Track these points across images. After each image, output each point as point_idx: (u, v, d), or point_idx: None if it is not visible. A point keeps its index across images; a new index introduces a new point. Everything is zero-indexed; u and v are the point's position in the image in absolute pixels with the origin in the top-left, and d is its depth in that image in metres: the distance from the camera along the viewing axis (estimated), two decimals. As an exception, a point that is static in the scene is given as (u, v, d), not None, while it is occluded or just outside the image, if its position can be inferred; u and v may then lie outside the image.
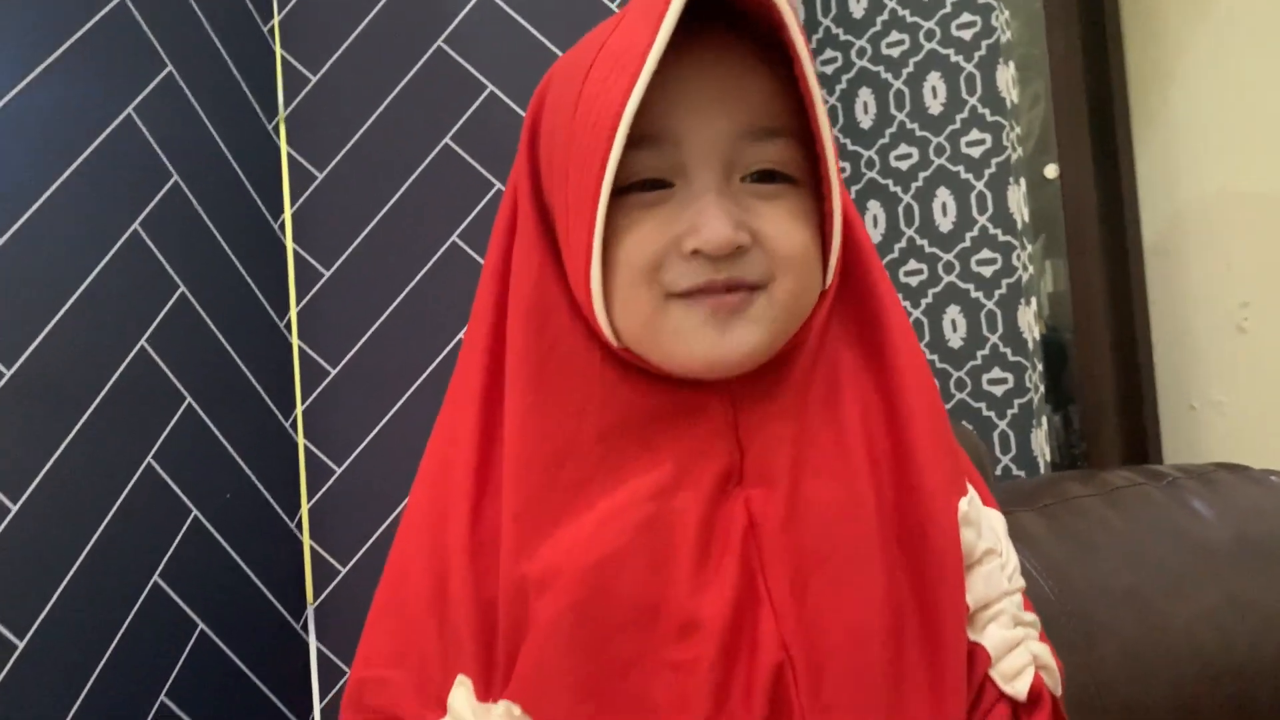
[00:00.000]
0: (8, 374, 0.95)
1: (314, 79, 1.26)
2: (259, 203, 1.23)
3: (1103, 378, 2.38)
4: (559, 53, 1.18)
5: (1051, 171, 2.43)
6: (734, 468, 0.52)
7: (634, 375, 0.52)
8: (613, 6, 1.27)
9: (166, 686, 1.07)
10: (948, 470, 0.55)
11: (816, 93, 0.49)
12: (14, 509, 0.94)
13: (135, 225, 1.08)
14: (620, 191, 0.49)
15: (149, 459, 1.07)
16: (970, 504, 0.57)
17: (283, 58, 1.26)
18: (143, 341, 1.08)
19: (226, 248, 1.18)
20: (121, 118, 1.07)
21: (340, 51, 1.25)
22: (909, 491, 0.53)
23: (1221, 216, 2.32)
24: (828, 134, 0.50)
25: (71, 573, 0.99)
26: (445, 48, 1.23)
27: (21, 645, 0.95)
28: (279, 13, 1.27)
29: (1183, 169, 2.38)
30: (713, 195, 0.49)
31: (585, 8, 1.21)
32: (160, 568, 1.07)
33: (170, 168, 1.12)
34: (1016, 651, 0.55)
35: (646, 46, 0.45)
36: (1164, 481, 1.02)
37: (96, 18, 1.04)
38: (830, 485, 0.52)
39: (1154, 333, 2.43)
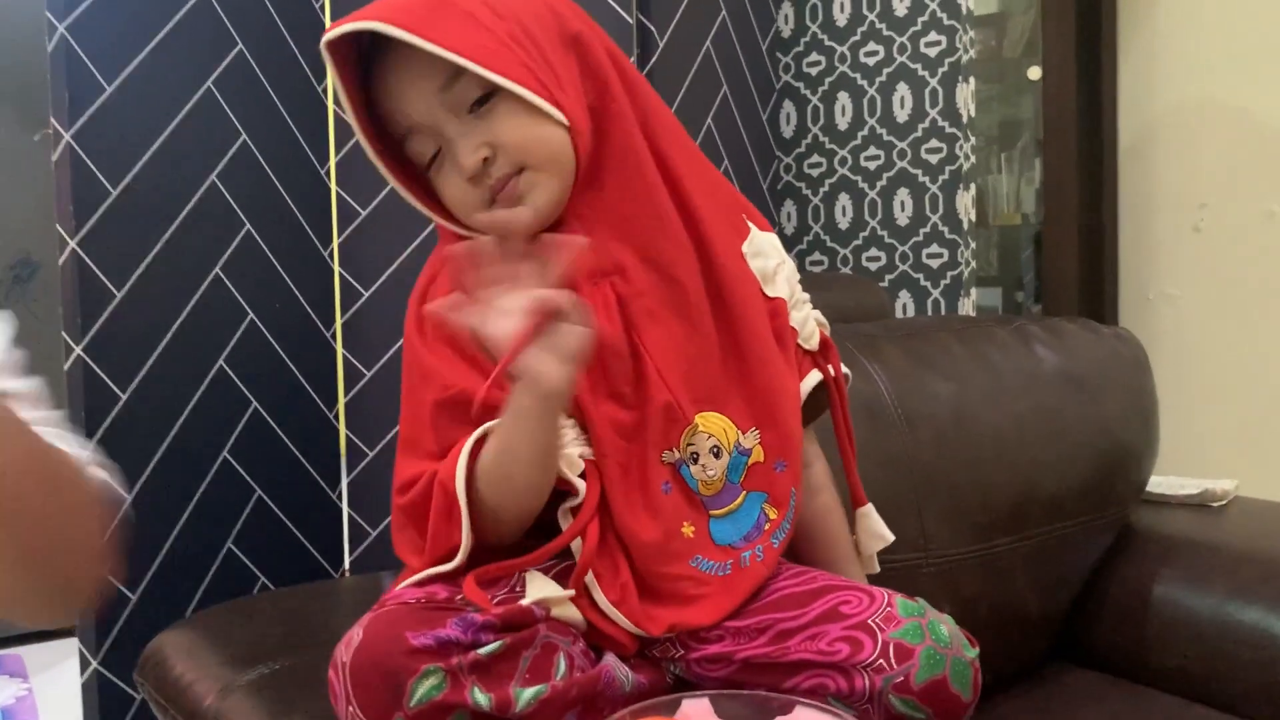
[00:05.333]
0: (114, 193, 1.24)
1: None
2: (305, 69, 1.49)
3: (1068, 267, 2.60)
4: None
5: (1035, 73, 2.61)
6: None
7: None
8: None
9: (228, 446, 1.39)
10: (727, 223, 0.80)
11: (461, 60, 0.68)
12: (119, 295, 1.24)
13: (208, 84, 1.35)
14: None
15: (216, 269, 1.37)
16: (751, 242, 0.82)
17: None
18: (212, 177, 1.36)
19: (279, 105, 1.45)
20: (198, -5, 1.33)
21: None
22: (707, 252, 0.77)
23: (1190, 123, 2.50)
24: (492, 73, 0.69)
25: (159, 349, 1.30)
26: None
27: (123, 398, 1.26)
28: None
29: (1162, 77, 2.55)
30: (453, 139, 0.71)
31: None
32: (224, 354, 1.38)
33: (236, 38, 1.38)
34: (808, 321, 0.83)
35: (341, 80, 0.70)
36: (1012, 325, 1.28)
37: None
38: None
39: (1120, 229, 2.64)
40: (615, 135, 0.75)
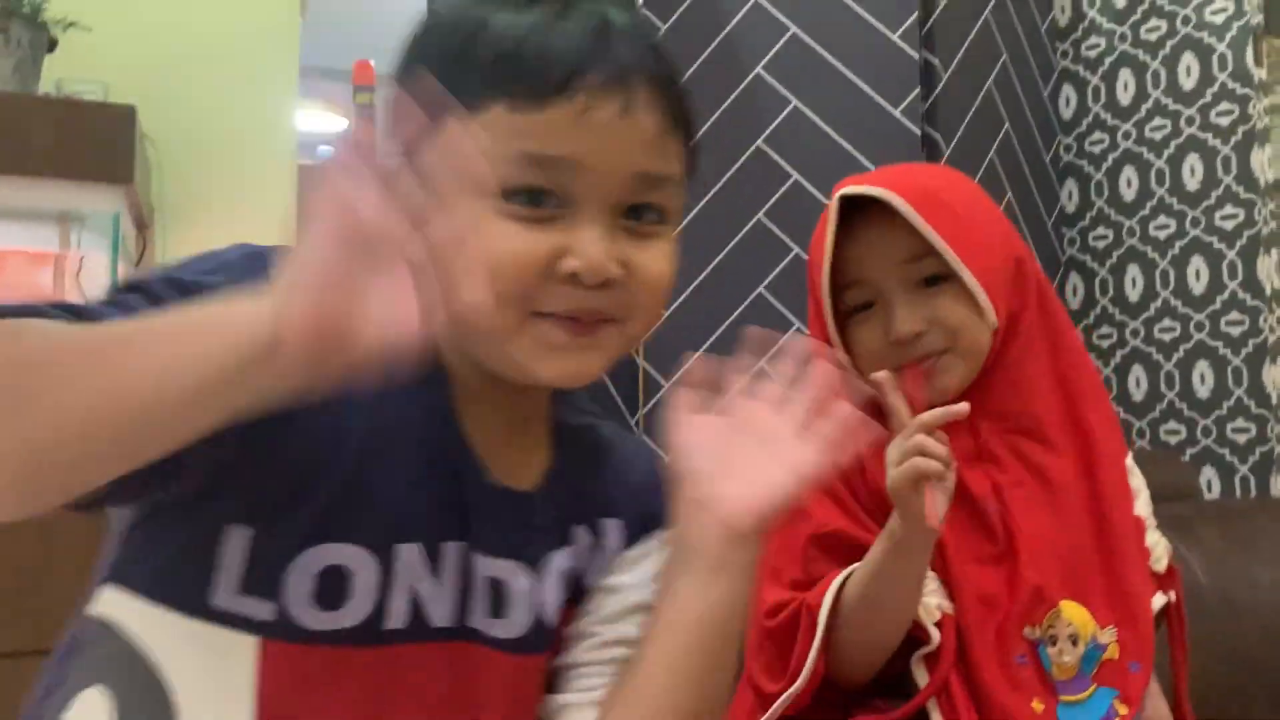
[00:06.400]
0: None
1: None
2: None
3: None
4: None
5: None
6: None
7: None
8: (895, 112, 1.57)
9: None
10: (1114, 440, 0.87)
11: (942, 245, 0.79)
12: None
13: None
14: None
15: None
16: (1131, 459, 0.89)
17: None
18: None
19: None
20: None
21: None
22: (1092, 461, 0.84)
23: None
24: None
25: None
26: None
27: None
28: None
29: None
30: (897, 305, 0.81)
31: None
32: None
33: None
34: (1158, 544, 0.87)
35: None
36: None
37: None
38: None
39: None
40: (1020, 345, 0.84)
